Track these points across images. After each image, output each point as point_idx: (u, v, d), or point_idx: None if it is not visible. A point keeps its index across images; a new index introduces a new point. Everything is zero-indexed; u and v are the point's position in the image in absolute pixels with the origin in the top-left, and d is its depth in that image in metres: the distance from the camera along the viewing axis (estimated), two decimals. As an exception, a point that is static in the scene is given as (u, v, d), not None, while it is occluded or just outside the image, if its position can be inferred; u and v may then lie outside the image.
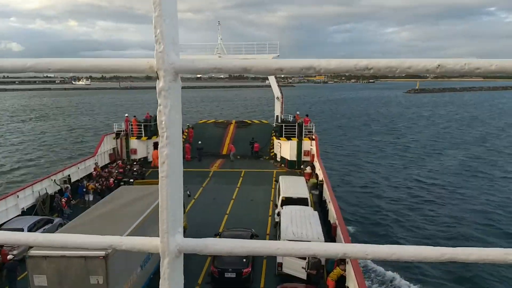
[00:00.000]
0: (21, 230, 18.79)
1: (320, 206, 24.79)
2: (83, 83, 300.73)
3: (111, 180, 27.93)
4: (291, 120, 36.61)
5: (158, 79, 1.08)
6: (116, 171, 30.25)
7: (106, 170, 30.37)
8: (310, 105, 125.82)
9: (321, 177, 27.59)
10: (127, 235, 1.04)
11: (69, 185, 26.36)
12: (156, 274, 16.19)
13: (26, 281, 13.61)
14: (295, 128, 34.31)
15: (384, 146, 60.18)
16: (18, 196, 22.76)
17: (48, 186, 25.26)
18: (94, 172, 29.42)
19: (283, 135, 34.48)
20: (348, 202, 33.64)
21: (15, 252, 17.79)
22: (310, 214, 18.91)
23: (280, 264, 16.96)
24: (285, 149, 34.62)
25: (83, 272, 12.45)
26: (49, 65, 1.15)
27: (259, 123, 44.48)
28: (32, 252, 12.67)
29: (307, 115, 37.35)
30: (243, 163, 35.99)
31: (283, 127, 34.71)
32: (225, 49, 38.14)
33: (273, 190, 28.38)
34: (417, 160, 50.50)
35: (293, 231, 16.98)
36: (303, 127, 34.31)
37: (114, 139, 34.88)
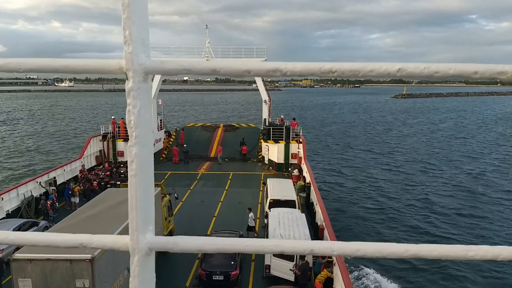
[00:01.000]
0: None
1: (308, 208, 24.92)
2: (66, 84, 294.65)
3: (95, 183, 27.64)
4: (278, 123, 36.81)
5: (127, 79, 1.10)
6: (103, 173, 29.98)
7: (93, 173, 30.09)
8: (299, 109, 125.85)
9: (308, 179, 27.77)
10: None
11: (54, 188, 26.03)
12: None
13: (10, 285, 13.40)
14: (282, 131, 34.50)
15: (371, 149, 60.74)
16: (2, 199, 22.41)
17: (33, 189, 24.92)
18: (79, 175, 29.12)
19: (271, 138, 34.63)
20: (335, 204, 33.86)
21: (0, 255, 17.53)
22: (297, 216, 18.99)
23: (268, 267, 17.00)
24: (273, 152, 34.76)
25: (68, 275, 12.30)
26: (20, 65, 1.16)
27: (247, 126, 44.67)
28: (17, 255, 12.48)
29: (294, 119, 37.61)
30: (231, 166, 36.02)
31: (271, 130, 34.87)
32: (212, 52, 38.14)
33: (261, 192, 28.42)
34: (403, 162, 51.09)
35: (281, 233, 17.04)
36: (291, 130, 34.55)
37: (100, 141, 34.60)
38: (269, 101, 39.64)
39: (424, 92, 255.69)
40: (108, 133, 34.90)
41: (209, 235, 18.90)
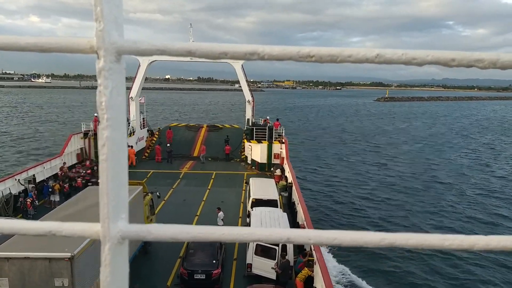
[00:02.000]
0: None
1: (289, 208, 25.01)
2: (43, 80, 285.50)
3: (79, 180, 27.20)
4: (261, 124, 36.86)
5: (98, 58, 1.06)
6: (84, 171, 29.47)
7: (74, 170, 29.54)
8: (281, 111, 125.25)
9: (290, 179, 27.89)
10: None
11: (34, 185, 25.45)
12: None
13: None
14: (265, 131, 34.56)
15: (353, 151, 61.45)
16: None
17: (11, 186, 24.30)
18: (59, 172, 28.55)
19: (254, 138, 34.64)
20: (316, 203, 34.16)
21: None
22: (279, 216, 19.05)
23: (250, 265, 16.98)
24: (256, 151, 34.77)
25: (47, 274, 12.07)
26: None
27: (230, 127, 44.60)
28: (-7, 254, 12.17)
29: (277, 119, 37.71)
30: (214, 165, 35.89)
31: (254, 130, 34.89)
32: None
33: (243, 192, 28.39)
34: (384, 163, 51.82)
35: (263, 232, 17.05)
36: (274, 131, 34.66)
37: (82, 138, 34.00)
38: (253, 101, 39.62)
39: (406, 95, 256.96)
40: (89, 130, 34.31)
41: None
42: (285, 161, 32.44)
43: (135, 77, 38.15)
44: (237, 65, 37.58)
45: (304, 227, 19.15)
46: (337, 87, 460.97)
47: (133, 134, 36.47)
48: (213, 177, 32.43)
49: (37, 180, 26.58)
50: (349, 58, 1.14)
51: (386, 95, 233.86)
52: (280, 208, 21.47)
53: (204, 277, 16.10)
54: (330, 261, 22.73)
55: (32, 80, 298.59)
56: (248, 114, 39.41)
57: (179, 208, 25.22)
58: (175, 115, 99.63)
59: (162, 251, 19.01)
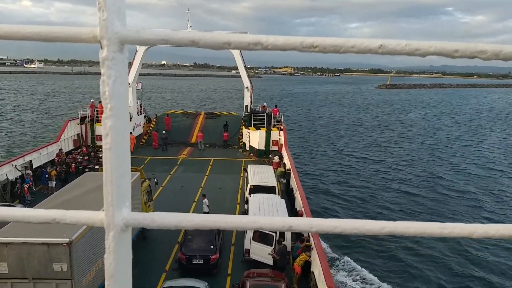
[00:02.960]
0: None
1: (287, 194, 25.15)
2: (36, 66, 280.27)
3: (73, 165, 27.19)
4: (260, 110, 36.75)
5: (101, 48, 1.05)
6: (81, 157, 29.45)
7: (70, 156, 29.53)
8: (279, 98, 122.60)
9: (288, 166, 27.98)
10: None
11: (30, 171, 25.45)
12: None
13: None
14: (264, 118, 34.50)
15: (351, 136, 61.55)
16: None
17: (8, 172, 24.31)
18: (56, 158, 28.54)
19: (252, 125, 34.59)
20: (314, 190, 34.31)
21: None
22: (277, 202, 19.16)
23: (248, 251, 17.16)
24: (254, 138, 34.79)
25: (46, 259, 12.18)
26: (-13, 32, 1.10)
27: (229, 114, 44.56)
28: (-9, 239, 12.24)
29: (276, 106, 37.63)
30: (212, 152, 35.93)
31: (252, 116, 34.81)
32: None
33: (241, 178, 28.50)
34: (384, 149, 51.98)
35: (261, 219, 17.17)
36: (272, 117, 34.58)
37: (78, 124, 33.88)
38: (251, 88, 39.45)
39: (407, 82, 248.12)
40: (86, 116, 34.18)
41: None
42: (283, 148, 32.49)
43: (132, 62, 37.85)
44: (235, 51, 37.32)
45: (302, 214, 19.32)
46: (336, 74, 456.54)
47: (130, 120, 36.34)
48: (211, 163, 32.50)
49: (34, 166, 26.58)
50: (352, 49, 1.15)
51: (388, 82, 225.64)
52: (278, 194, 21.58)
53: (202, 262, 16.28)
54: (328, 246, 22.99)
55: (25, 65, 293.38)
56: (247, 100, 39.28)
57: (177, 194, 25.32)
58: (170, 102, 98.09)
59: (160, 236, 19.15)
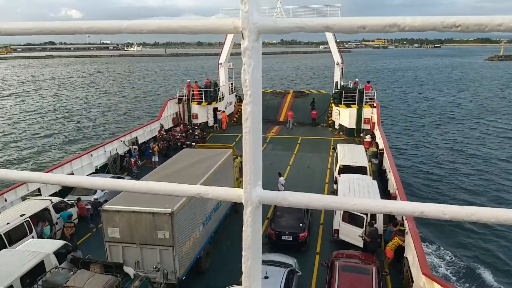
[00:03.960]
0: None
1: (380, 176, 24.28)
2: (134, 49, 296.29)
3: (172, 142, 29.31)
4: (351, 87, 35.46)
5: (243, 39, 1.13)
6: (179, 134, 31.54)
7: (170, 134, 31.78)
8: (372, 74, 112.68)
9: (381, 146, 26.84)
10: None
11: (136, 147, 28.01)
12: (216, 233, 17.03)
13: (100, 233, 14.96)
14: (355, 95, 33.28)
15: (451, 117, 56.71)
16: (92, 155, 24.66)
17: (118, 147, 27.02)
18: (158, 135, 30.96)
19: (342, 102, 33.63)
20: (409, 172, 32.55)
21: (89, 207, 19.52)
22: (368, 183, 18.61)
23: (337, 231, 17.07)
24: (344, 116, 33.88)
25: (151, 227, 13.39)
26: (142, 26, 1.23)
27: (318, 93, 43.86)
28: (106, 206, 13.82)
29: (368, 82, 36.04)
30: (300, 130, 35.91)
31: (343, 93, 33.79)
32: (284, 13, 37.23)
33: (330, 158, 28.15)
34: (488, 133, 47.18)
35: (351, 199, 16.87)
36: (364, 94, 33.19)
37: (176, 104, 36.15)
38: (342, 63, 38.26)
39: None
40: (183, 96, 36.29)
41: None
42: (376, 127, 31.18)
43: (224, 43, 39.02)
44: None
45: (395, 196, 18.56)
46: (436, 45, 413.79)
47: (222, 99, 37.80)
48: (299, 142, 32.58)
49: (139, 142, 29.18)
50: (499, 27, 1.07)
51: (501, 53, 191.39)
52: (370, 175, 20.95)
53: (291, 239, 16.62)
54: (423, 231, 21.89)
55: (125, 49, 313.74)
56: (337, 76, 38.18)
57: (266, 171, 25.40)
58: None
59: None
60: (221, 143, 26.37)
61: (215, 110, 36.89)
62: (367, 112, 32.86)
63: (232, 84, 40.89)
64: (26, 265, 12.62)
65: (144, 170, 23.84)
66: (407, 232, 15.16)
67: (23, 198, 18.89)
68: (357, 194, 17.31)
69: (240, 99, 42.77)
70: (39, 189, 20.03)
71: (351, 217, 16.56)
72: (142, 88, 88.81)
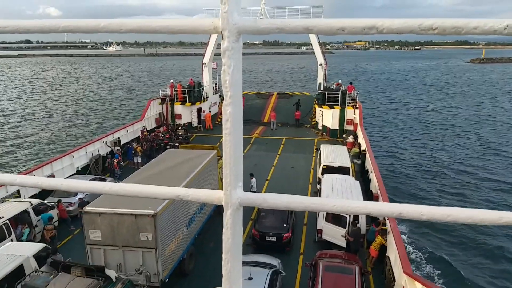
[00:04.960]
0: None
1: (362, 176, 24.55)
2: (114, 48, 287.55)
3: (155, 143, 29.02)
4: (334, 88, 35.78)
5: (223, 39, 1.12)
6: (162, 135, 31.27)
7: (153, 134, 31.48)
8: (354, 76, 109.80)
9: (363, 146, 27.17)
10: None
11: (119, 147, 27.65)
12: (199, 235, 16.94)
13: (81, 236, 14.69)
14: (338, 96, 33.60)
15: (432, 117, 57.78)
16: (73, 156, 24.23)
17: (100, 148, 26.62)
18: (140, 135, 30.63)
19: (326, 103, 33.91)
20: (391, 173, 32.99)
21: (70, 208, 19.18)
22: (351, 183, 18.80)
23: (320, 231, 17.18)
24: (327, 117, 34.17)
25: (134, 229, 13.22)
26: (121, 26, 1.21)
27: (301, 94, 44.18)
28: (87, 208, 13.60)
29: (350, 83, 36.42)
30: (284, 131, 36.06)
31: (326, 94, 34.07)
32: (267, 13, 37.32)
33: (314, 158, 28.34)
34: (467, 131, 48.24)
35: (334, 199, 17.00)
36: (347, 95, 33.55)
37: (160, 104, 35.85)
38: (325, 65, 38.56)
39: (504, 56, 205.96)
40: (166, 96, 36.01)
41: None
42: (358, 127, 31.54)
43: (208, 42, 38.89)
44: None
45: (378, 197, 18.79)
46: (416, 47, 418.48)
47: (206, 100, 37.66)
48: (283, 142, 32.70)
49: (122, 143, 28.81)
50: (475, 30, 1.09)
51: (482, 56, 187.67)
52: (352, 176, 21.16)
53: (275, 240, 16.66)
54: (404, 230, 22.22)
55: (104, 48, 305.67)
56: (320, 78, 38.47)
57: (251, 172, 25.92)
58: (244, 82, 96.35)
59: None
60: (205, 143, 26.26)
61: (199, 110, 36.73)
62: (350, 113, 33.22)
63: (216, 84, 40.78)
64: (4, 269, 12.31)
65: (127, 171, 23.56)
66: (389, 232, 15.37)
67: (2, 200, 18.43)
68: (340, 194, 17.47)
69: (224, 99, 42.68)
70: (18, 191, 19.59)
71: (334, 217, 16.69)
72: (114, 91, 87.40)
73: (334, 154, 23.45)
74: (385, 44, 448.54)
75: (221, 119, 39.19)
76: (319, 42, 38.74)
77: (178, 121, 35.85)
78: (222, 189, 1.20)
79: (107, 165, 25.70)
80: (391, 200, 19.95)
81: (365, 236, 16.92)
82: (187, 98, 35.73)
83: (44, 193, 20.32)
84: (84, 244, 13.70)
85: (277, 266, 14.37)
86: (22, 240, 16.01)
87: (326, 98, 33.88)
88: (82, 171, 24.47)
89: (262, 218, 17.44)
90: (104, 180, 22.36)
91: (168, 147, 27.36)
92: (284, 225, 17.02)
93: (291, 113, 38.19)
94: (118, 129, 30.47)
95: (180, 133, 32.55)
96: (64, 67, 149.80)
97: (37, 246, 14.35)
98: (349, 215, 16.18)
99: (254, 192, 19.49)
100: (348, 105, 33.32)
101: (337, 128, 33.57)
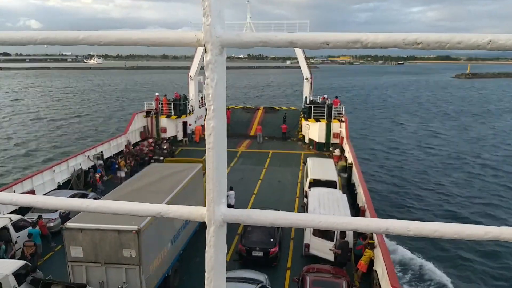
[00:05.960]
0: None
1: (349, 190, 24.62)
2: (95, 61, 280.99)
3: (138, 157, 28.69)
4: (320, 102, 36.10)
5: (206, 52, 1.10)
6: (147, 148, 30.94)
7: (137, 148, 31.13)
8: (339, 92, 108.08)
9: (350, 160, 27.31)
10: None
11: (102, 162, 27.21)
12: (185, 250, 16.67)
13: (62, 253, 14.31)
14: (324, 110, 33.89)
15: (416, 130, 58.70)
16: (54, 171, 23.72)
17: (82, 162, 26.16)
18: (124, 149, 30.24)
19: (312, 117, 34.14)
20: (377, 185, 33.23)
21: (51, 224, 18.71)
22: (338, 197, 18.82)
23: (308, 245, 17.09)
24: (314, 130, 34.36)
25: (116, 245, 12.91)
26: (100, 38, 1.18)
27: (288, 109, 44.58)
28: (69, 224, 13.26)
29: (336, 97, 36.82)
30: (271, 145, 36.11)
31: (312, 108, 34.33)
32: (254, 28, 37.69)
33: (300, 172, 28.36)
34: (452, 145, 49.08)
35: (321, 213, 16.97)
36: (333, 109, 33.85)
37: (144, 117, 35.58)
38: (311, 79, 38.96)
39: (489, 71, 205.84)
40: (151, 109, 35.79)
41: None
42: (345, 141, 31.75)
43: (194, 56, 38.97)
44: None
45: (364, 210, 18.83)
46: (399, 62, 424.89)
47: (192, 113, 37.56)
48: (269, 156, 32.69)
49: (105, 157, 28.38)
50: (458, 45, 1.09)
51: (468, 71, 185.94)
52: (339, 189, 21.20)
53: (262, 255, 16.49)
54: (391, 244, 22.26)
55: (85, 61, 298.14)
56: (306, 92, 38.81)
57: (237, 186, 25.67)
58: (230, 96, 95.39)
59: None
60: (191, 157, 26.06)
61: (185, 123, 36.57)
62: (336, 126, 33.47)
63: (202, 97, 40.73)
64: (-19, 288, 11.87)
65: (110, 186, 23.13)
66: (376, 245, 15.37)
67: (-20, 217, 17.87)
68: (327, 208, 17.45)
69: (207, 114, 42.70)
70: (-3, 207, 19.06)
71: (321, 231, 16.62)
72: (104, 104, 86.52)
73: (321, 167, 23.51)
74: (369, 59, 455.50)
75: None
76: (304, 56, 39.20)
77: (163, 135, 35.59)
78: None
79: (89, 180, 25.23)
80: (378, 214, 19.98)
81: (352, 249, 16.88)
82: (172, 111, 35.58)
83: (23, 209, 19.80)
84: (65, 261, 13.33)
85: (264, 281, 14.19)
86: (0, 257, 15.50)
87: (312, 111, 34.13)
88: (63, 186, 23.96)
89: (248, 232, 17.27)
90: (86, 195, 21.94)
91: (152, 161, 27.07)
92: (271, 239, 16.88)
93: (278, 126, 38.35)
94: (101, 143, 30.04)
95: (165, 147, 32.28)
96: (34, 80, 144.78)
97: (16, 264, 13.89)
98: (336, 229, 16.12)
99: (230, 205, 19.13)
100: (334, 119, 33.60)
101: (324, 141, 33.76)
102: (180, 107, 35.97)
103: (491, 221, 26.44)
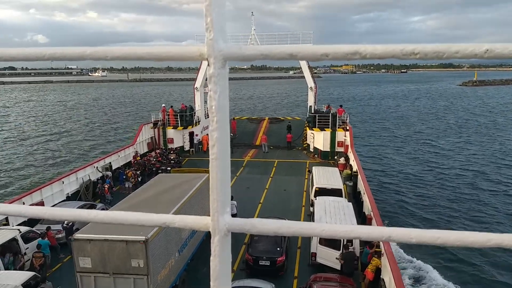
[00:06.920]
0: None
1: (355, 198, 24.51)
2: (99, 74, 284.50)
3: (147, 168, 28.78)
4: (324, 111, 36.16)
5: (209, 65, 1.13)
6: (155, 159, 31.09)
7: (145, 159, 31.29)
8: (342, 102, 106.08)
9: (355, 168, 27.23)
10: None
11: (110, 173, 27.37)
12: (192, 260, 16.63)
13: (71, 264, 14.35)
14: (328, 119, 33.92)
15: (421, 138, 58.40)
16: (63, 182, 23.91)
17: (91, 173, 26.33)
18: (132, 160, 30.42)
19: (317, 126, 34.18)
20: (383, 193, 33.03)
21: (60, 236, 18.79)
22: (344, 205, 18.75)
23: (314, 254, 16.99)
24: (318, 139, 34.36)
25: (125, 255, 12.95)
26: (106, 53, 1.22)
27: (292, 119, 44.83)
28: (77, 235, 13.33)
29: (340, 106, 36.86)
30: (276, 154, 36.13)
31: (316, 117, 34.38)
32: (258, 39, 37.98)
33: (306, 180, 28.29)
34: (457, 151, 48.74)
35: (327, 222, 16.89)
36: (337, 118, 33.89)
37: (151, 128, 35.82)
38: (315, 88, 39.06)
39: (496, 78, 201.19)
40: (158, 120, 36.05)
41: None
42: (349, 149, 31.72)
43: (199, 67, 39.29)
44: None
45: (371, 218, 18.71)
46: (402, 70, 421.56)
47: (198, 124, 37.74)
48: (275, 165, 32.67)
49: (113, 168, 28.55)
50: (456, 54, 1.11)
51: (475, 79, 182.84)
52: (345, 197, 21.12)
53: (269, 264, 16.41)
54: (398, 252, 22.04)
55: (90, 74, 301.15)
56: (311, 101, 38.91)
57: (243, 195, 25.70)
58: (235, 107, 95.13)
59: None
60: (197, 167, 26.14)
61: (191, 134, 36.77)
62: (341, 135, 33.47)
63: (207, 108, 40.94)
64: (-10, 300, 11.94)
65: (118, 196, 23.24)
66: (383, 254, 15.24)
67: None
68: (333, 216, 17.39)
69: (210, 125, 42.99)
70: (6, 218, 19.18)
71: (328, 240, 16.53)
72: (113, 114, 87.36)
73: (326, 176, 23.46)
74: (371, 68, 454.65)
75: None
76: (309, 66, 39.35)
77: (170, 145, 35.77)
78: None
79: (97, 191, 25.37)
80: (384, 221, 19.87)
81: (359, 258, 16.75)
82: (179, 122, 35.79)
83: (32, 220, 19.93)
84: (74, 271, 13.37)
85: (271, 291, 14.11)
86: (10, 269, 15.58)
87: (316, 120, 34.17)
88: (72, 197, 24.12)
89: (255, 242, 17.22)
90: (94, 206, 22.05)
91: (159, 171, 27.17)
92: (278, 249, 16.81)
93: (283, 136, 38.45)
94: (109, 154, 30.25)
95: (172, 157, 32.42)
96: (31, 95, 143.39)
97: (26, 275, 13.97)
98: (343, 238, 16.02)
99: (232, 214, 19.66)
100: (338, 127, 33.60)
101: (329, 150, 33.73)
102: (186, 118, 36.21)
103: (496, 229, 26.19)
